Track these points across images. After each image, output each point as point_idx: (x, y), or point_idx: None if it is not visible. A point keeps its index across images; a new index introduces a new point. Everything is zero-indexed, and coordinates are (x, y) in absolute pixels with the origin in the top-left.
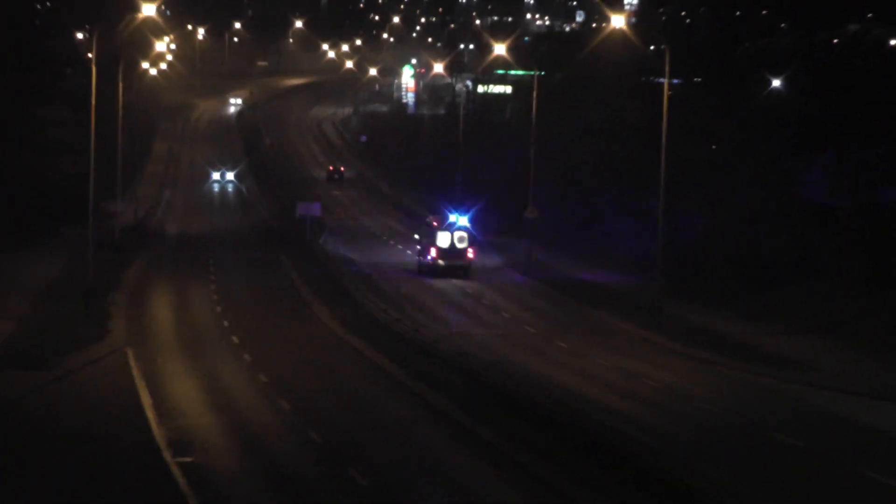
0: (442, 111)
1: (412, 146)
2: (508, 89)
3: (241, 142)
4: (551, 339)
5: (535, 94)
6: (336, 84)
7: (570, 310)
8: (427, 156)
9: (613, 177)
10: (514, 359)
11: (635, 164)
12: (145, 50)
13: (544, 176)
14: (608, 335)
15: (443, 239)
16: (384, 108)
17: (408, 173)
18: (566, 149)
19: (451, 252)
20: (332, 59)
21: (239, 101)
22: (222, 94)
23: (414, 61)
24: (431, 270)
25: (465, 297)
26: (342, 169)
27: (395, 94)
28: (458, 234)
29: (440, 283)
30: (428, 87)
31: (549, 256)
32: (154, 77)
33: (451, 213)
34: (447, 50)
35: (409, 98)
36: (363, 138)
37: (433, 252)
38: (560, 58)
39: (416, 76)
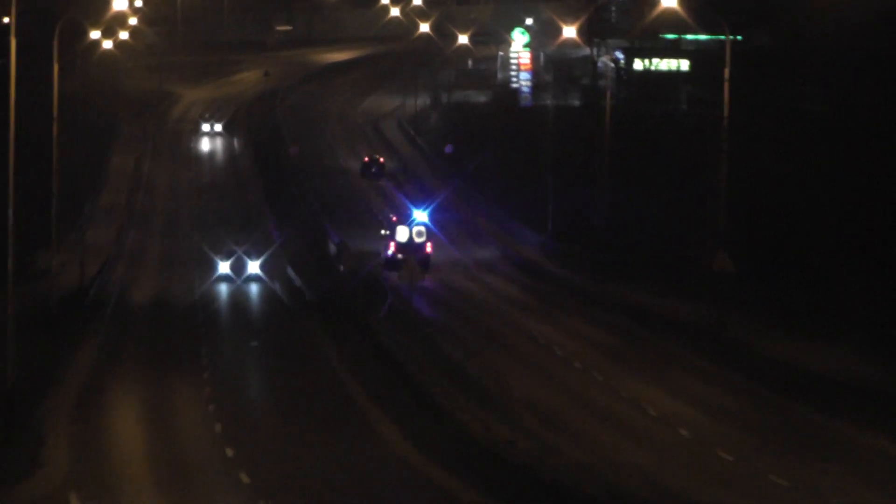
0: (576, 102)
1: (529, 158)
2: (684, 64)
3: (250, 155)
4: (760, 471)
5: (726, 71)
6: (404, 59)
7: (785, 418)
8: (554, 174)
9: (849, 202)
10: None
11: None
12: (97, 10)
13: (742, 199)
14: (857, 463)
15: (402, 233)
16: (482, 98)
17: (521, 201)
18: (780, 156)
19: (410, 246)
20: (396, 20)
21: (217, 126)
22: (220, 78)
23: (529, 22)
24: (391, 265)
25: (602, 393)
26: (381, 160)
27: (500, 75)
28: (416, 228)
29: (569, 379)
30: (553, 63)
31: (750, 326)
32: (112, 53)
33: (412, 208)
34: (583, 4)
35: (523, 80)
36: (449, 149)
37: (392, 247)
38: (768, 13)
39: (534, 45)
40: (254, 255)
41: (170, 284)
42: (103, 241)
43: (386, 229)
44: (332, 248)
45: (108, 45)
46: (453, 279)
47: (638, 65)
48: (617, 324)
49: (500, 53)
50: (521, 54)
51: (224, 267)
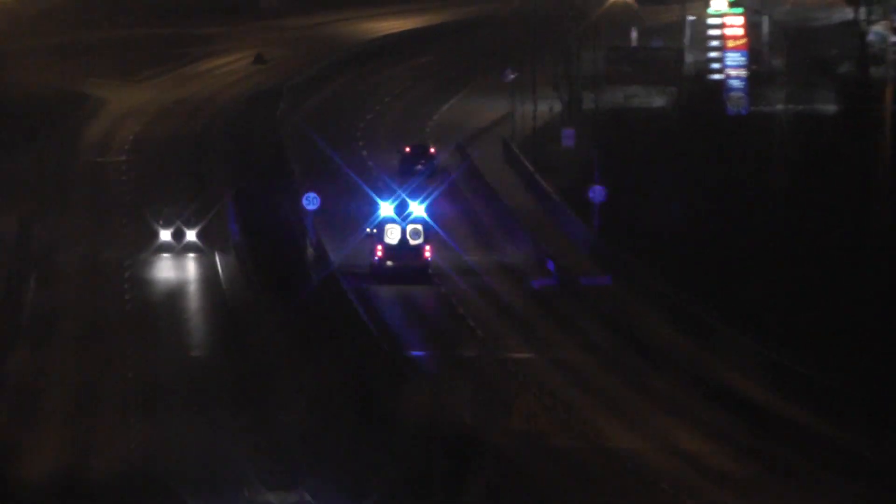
0: (831, 107)
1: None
2: None
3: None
4: None
5: None
6: (511, 31)
7: None
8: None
9: None
10: None
11: None
12: None
13: None
14: None
15: (392, 233)
16: (656, 100)
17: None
18: None
19: (403, 250)
20: None
21: (190, 233)
22: (178, 67)
23: None
24: (379, 274)
25: None
26: (432, 150)
27: (689, 58)
28: (411, 227)
29: None
30: (785, 36)
31: None
32: None
33: (405, 200)
34: None
35: (732, 67)
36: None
37: (380, 250)
38: None
39: (750, 4)
40: None
41: None
42: None
43: (371, 227)
44: (311, 252)
45: None
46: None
47: None
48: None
49: (690, 18)
50: (726, 20)
51: None
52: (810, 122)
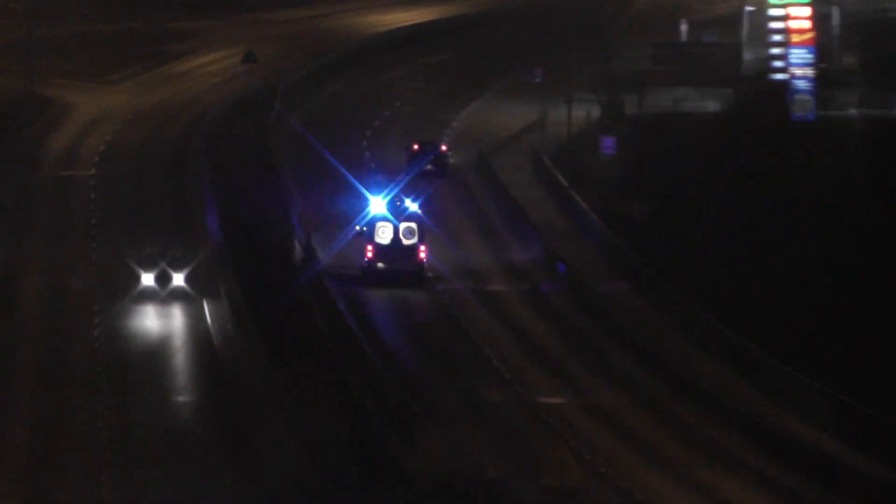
0: None
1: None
2: None
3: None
4: None
5: None
6: (539, 24)
7: None
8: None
9: None
10: None
11: None
12: None
13: None
14: None
15: (383, 232)
16: (709, 103)
17: None
18: None
19: (395, 251)
20: None
21: (177, 277)
22: (153, 67)
23: None
24: (369, 277)
25: None
26: (443, 148)
27: (747, 55)
28: (405, 225)
29: None
30: (859, 30)
31: None
32: None
33: (399, 197)
34: None
35: (797, 65)
36: (606, 145)
37: (370, 251)
38: None
39: None
40: None
41: None
42: None
43: (362, 224)
44: (298, 251)
45: None
46: None
47: None
48: None
49: (748, 9)
50: (791, 11)
51: None
52: (887, 128)
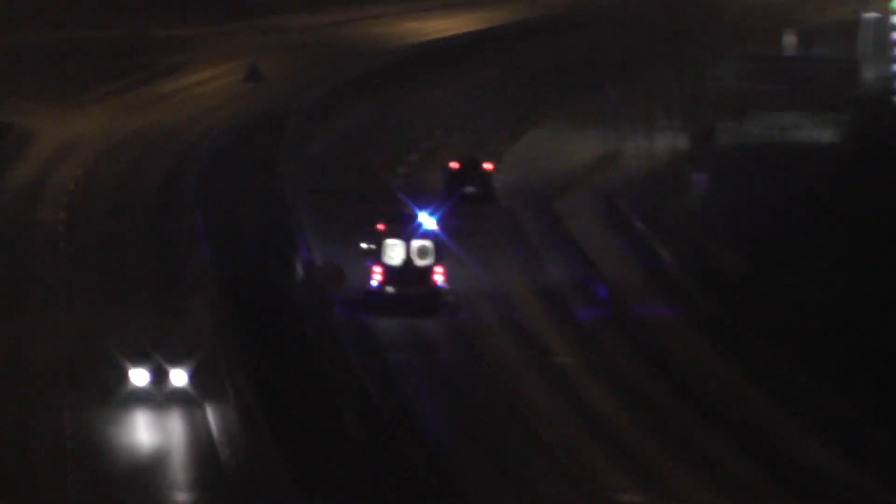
0: None
1: None
2: None
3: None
4: None
5: None
6: (613, 34)
7: None
8: None
9: None
10: None
11: None
12: None
13: None
14: None
15: (393, 251)
16: (823, 132)
17: None
18: None
19: (406, 273)
20: None
21: (179, 377)
22: (135, 86)
23: None
24: (376, 302)
25: None
26: (486, 166)
27: (868, 74)
28: (418, 243)
29: None
30: None
31: None
32: None
33: (412, 212)
34: None
35: None
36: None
37: (379, 273)
38: None
39: None
40: None
41: None
42: None
43: (369, 241)
44: (300, 270)
45: None
46: None
47: None
48: None
49: (868, 16)
50: None
51: None
52: None
